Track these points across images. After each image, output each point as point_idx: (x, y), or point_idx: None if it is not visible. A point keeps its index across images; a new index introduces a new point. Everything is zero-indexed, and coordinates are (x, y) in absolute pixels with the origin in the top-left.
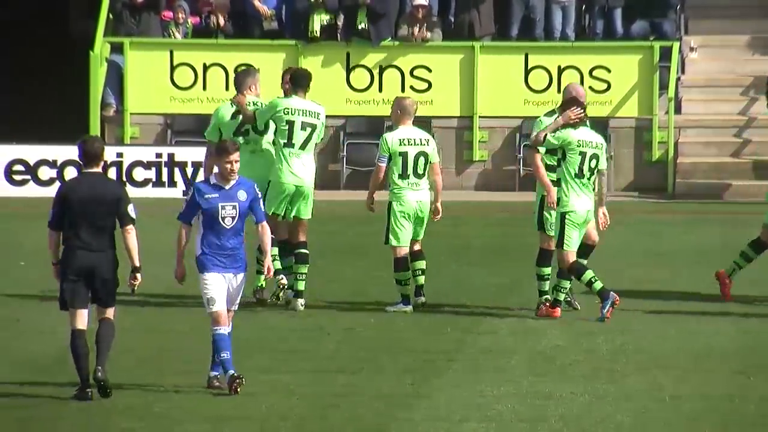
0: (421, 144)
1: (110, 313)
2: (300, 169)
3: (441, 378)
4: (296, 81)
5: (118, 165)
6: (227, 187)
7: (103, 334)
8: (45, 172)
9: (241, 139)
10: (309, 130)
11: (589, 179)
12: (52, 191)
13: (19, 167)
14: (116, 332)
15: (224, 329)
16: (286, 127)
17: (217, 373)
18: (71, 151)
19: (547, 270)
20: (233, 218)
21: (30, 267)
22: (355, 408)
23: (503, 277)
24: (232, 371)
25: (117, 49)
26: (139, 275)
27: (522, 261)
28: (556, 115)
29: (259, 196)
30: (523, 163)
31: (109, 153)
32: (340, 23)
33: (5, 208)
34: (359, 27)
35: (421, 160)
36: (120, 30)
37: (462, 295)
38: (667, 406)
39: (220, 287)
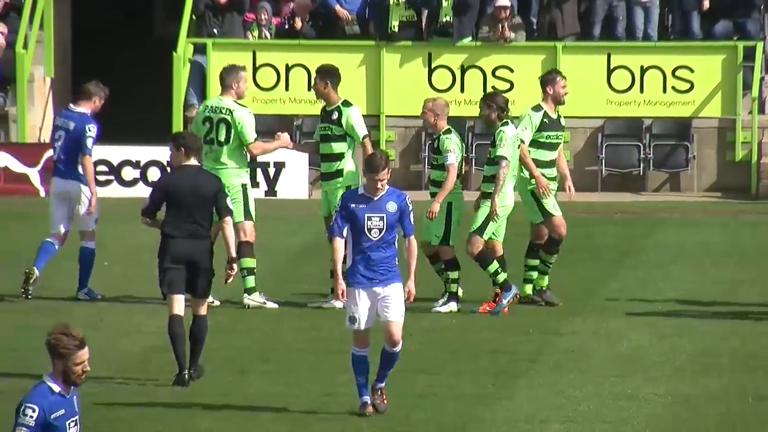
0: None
1: (204, 308)
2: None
3: (522, 379)
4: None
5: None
6: (375, 198)
7: (196, 331)
8: (128, 173)
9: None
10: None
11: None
12: (135, 192)
13: (102, 168)
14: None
15: (363, 351)
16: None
17: (367, 398)
18: (154, 152)
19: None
20: (380, 230)
21: (113, 267)
22: (437, 408)
23: (586, 278)
24: (365, 398)
25: (200, 50)
26: (235, 266)
27: (604, 261)
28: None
29: (410, 208)
30: (606, 163)
31: None
32: (423, 19)
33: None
34: (443, 20)
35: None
36: (203, 31)
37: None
38: (750, 407)
39: (364, 305)
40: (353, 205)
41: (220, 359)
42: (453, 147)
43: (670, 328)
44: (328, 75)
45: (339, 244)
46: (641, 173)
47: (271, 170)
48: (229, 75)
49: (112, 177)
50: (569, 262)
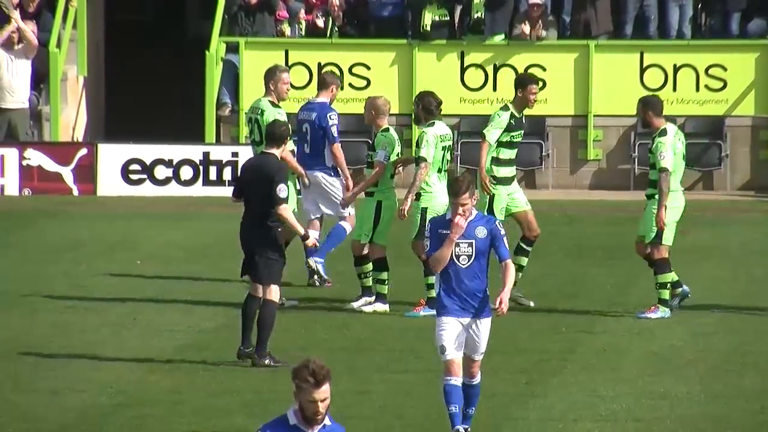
0: None
1: (270, 293)
2: None
3: (555, 378)
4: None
5: (233, 164)
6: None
7: (262, 317)
8: (161, 172)
9: None
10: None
11: (445, 172)
12: (168, 190)
13: (135, 167)
14: (275, 313)
15: (454, 380)
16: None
17: (463, 427)
18: (187, 151)
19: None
20: (469, 257)
21: (147, 266)
22: None
23: (618, 277)
24: (458, 427)
25: (232, 48)
26: (308, 241)
27: (636, 260)
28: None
29: (502, 233)
30: (636, 162)
31: (225, 152)
32: (456, 18)
33: (122, 208)
34: (475, 16)
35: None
36: (235, 30)
37: (577, 294)
38: None
39: (453, 333)
40: (441, 231)
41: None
42: (384, 145)
43: (704, 326)
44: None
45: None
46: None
47: None
48: (267, 76)
49: (144, 176)
50: (602, 261)
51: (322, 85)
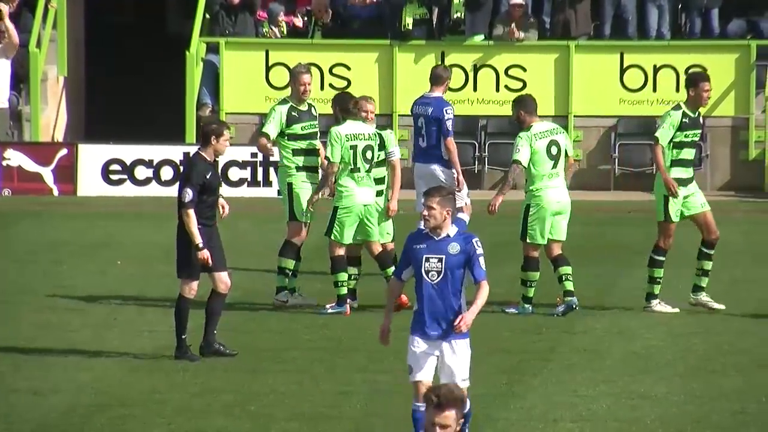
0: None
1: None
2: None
3: (536, 378)
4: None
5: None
6: (437, 238)
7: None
8: (141, 172)
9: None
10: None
11: (368, 171)
12: (148, 191)
13: (115, 167)
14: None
15: (423, 407)
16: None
17: None
18: (167, 151)
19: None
20: (438, 273)
21: (127, 266)
22: None
23: (598, 277)
24: None
25: (213, 49)
26: (199, 253)
27: (616, 260)
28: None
29: (478, 252)
30: (619, 163)
31: None
32: (434, 18)
33: (102, 208)
34: (454, 16)
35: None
36: (216, 30)
37: (557, 294)
38: (765, 406)
39: (420, 353)
40: (415, 246)
41: (233, 358)
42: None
43: (684, 327)
44: None
45: (394, 285)
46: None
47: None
48: (289, 76)
49: (125, 176)
50: (582, 261)
51: (437, 80)
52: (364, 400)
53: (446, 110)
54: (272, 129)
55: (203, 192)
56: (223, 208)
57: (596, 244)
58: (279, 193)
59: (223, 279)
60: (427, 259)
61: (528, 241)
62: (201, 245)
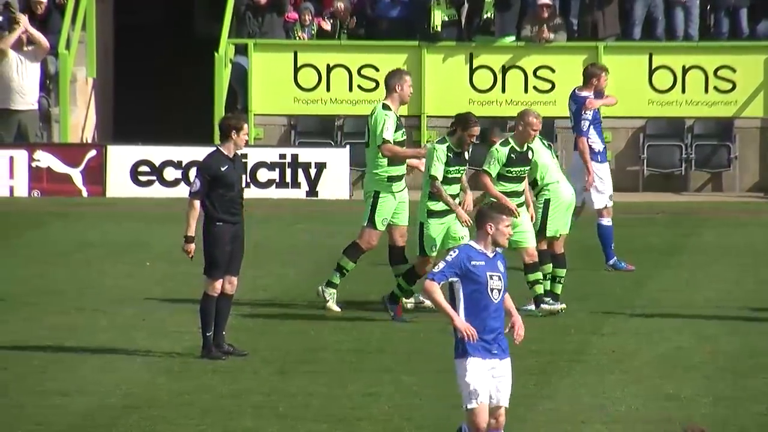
0: None
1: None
2: None
3: (564, 379)
4: None
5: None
6: (490, 255)
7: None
8: (170, 173)
9: None
10: None
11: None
12: (177, 192)
13: (144, 168)
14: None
15: None
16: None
17: None
18: (196, 152)
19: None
20: (499, 291)
21: (156, 267)
22: None
23: (627, 278)
24: None
25: (241, 50)
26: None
27: (645, 262)
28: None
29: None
30: (647, 164)
31: None
32: (463, 19)
33: (131, 209)
34: (484, 16)
35: None
36: (243, 32)
37: (585, 296)
38: None
39: (484, 377)
40: (475, 262)
41: (261, 360)
42: None
43: (712, 328)
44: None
45: (438, 286)
46: (683, 173)
47: (312, 170)
48: (391, 79)
49: (154, 177)
50: None
51: (587, 77)
52: (392, 402)
53: (585, 111)
54: (390, 135)
55: (219, 186)
56: None
57: (624, 246)
58: (308, 194)
59: (232, 281)
60: (491, 277)
61: (548, 235)
62: (191, 237)
